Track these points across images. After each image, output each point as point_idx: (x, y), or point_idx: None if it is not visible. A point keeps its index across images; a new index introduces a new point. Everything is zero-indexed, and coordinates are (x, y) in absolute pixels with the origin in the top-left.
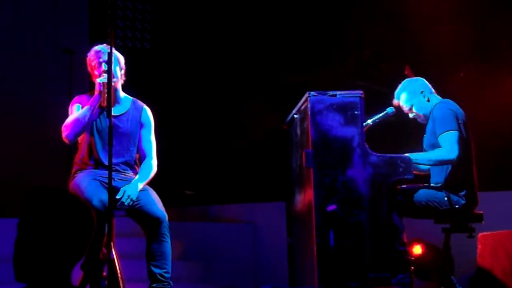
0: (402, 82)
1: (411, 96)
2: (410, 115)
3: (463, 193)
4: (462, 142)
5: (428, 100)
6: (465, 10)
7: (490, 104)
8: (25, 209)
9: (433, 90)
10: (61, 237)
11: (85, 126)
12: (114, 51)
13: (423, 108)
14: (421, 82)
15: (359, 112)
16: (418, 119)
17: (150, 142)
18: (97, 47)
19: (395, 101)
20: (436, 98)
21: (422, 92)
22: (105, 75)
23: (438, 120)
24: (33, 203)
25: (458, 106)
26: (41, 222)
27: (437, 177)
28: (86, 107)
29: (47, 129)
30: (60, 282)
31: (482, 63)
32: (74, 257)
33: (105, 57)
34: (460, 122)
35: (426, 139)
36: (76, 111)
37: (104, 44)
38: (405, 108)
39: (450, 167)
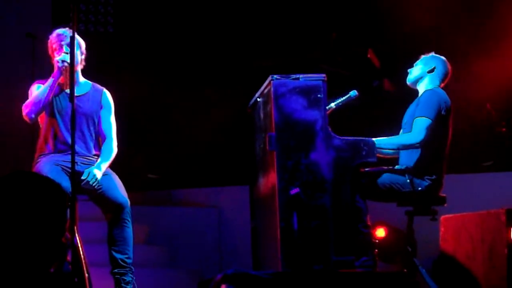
0: (433, 56)
1: (423, 65)
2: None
3: (428, 176)
4: (432, 130)
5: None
6: None
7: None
8: None
9: (442, 78)
10: (37, 220)
11: (45, 103)
12: (76, 35)
13: (417, 80)
14: (441, 67)
15: (322, 95)
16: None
17: (110, 123)
18: (59, 30)
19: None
20: (434, 83)
21: (433, 70)
22: (63, 54)
23: (420, 104)
24: (6, 188)
25: (446, 96)
26: (15, 207)
27: (405, 159)
28: (45, 85)
29: (10, 114)
30: (37, 268)
31: (453, 43)
32: (49, 238)
33: (67, 40)
34: (443, 113)
35: (405, 118)
36: (36, 90)
37: (67, 28)
38: (411, 73)
39: (419, 151)
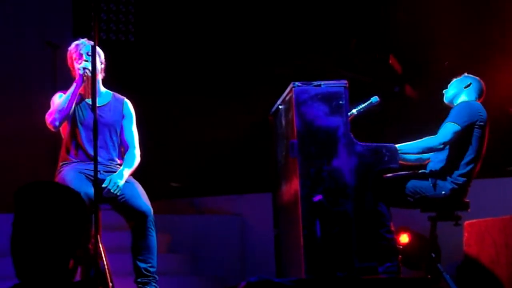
0: (466, 76)
1: (458, 83)
2: (446, 100)
3: (451, 179)
4: (459, 136)
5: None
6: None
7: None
8: (18, 205)
9: (478, 94)
10: (57, 231)
11: (69, 109)
12: None
13: (455, 96)
14: (477, 83)
15: (344, 101)
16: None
17: (132, 132)
18: (77, 41)
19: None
20: (470, 97)
21: (469, 85)
22: (84, 62)
23: (452, 112)
24: (27, 199)
25: (482, 108)
26: (36, 217)
27: (433, 165)
28: (68, 92)
29: (32, 124)
30: (56, 276)
31: (470, 51)
32: (69, 249)
33: (86, 49)
34: (479, 123)
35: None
36: (59, 99)
37: (85, 39)
38: (447, 93)
39: (447, 155)
